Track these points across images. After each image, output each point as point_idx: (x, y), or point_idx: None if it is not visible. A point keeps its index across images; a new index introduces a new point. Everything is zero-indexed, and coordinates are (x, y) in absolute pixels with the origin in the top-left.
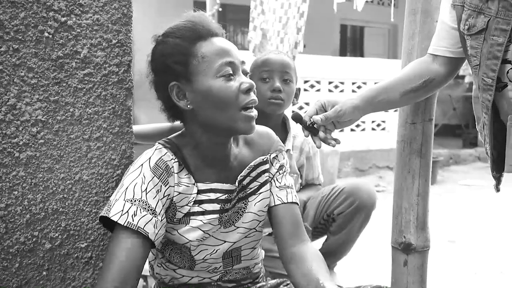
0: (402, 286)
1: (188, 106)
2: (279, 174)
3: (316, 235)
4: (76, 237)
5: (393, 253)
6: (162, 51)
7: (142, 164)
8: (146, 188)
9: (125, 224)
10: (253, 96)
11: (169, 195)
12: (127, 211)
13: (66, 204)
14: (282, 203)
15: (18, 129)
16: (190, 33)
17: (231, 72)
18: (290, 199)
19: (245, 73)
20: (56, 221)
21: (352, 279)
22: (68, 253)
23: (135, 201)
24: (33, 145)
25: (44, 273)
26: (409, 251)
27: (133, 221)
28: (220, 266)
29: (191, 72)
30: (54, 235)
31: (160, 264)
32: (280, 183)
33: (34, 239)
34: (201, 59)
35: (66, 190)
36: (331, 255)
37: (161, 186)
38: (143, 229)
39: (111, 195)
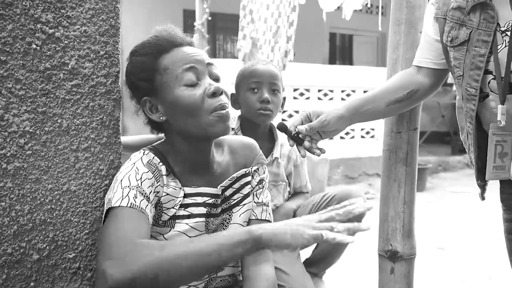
0: None
1: (161, 118)
2: (259, 188)
3: None
4: (64, 247)
5: (380, 261)
6: (129, 70)
7: (135, 163)
8: (141, 177)
9: (128, 206)
10: (221, 99)
11: (158, 192)
12: (128, 195)
13: (54, 214)
14: (255, 219)
15: (6, 140)
16: (152, 49)
17: (193, 78)
18: (264, 216)
19: (214, 76)
20: (44, 232)
21: (340, 287)
22: (56, 264)
23: (132, 187)
24: (20, 156)
25: (32, 284)
26: (396, 259)
27: (135, 202)
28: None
29: (157, 86)
30: (42, 246)
31: None
32: (258, 198)
33: (21, 250)
34: (163, 71)
35: (54, 201)
36: (321, 262)
37: (154, 181)
38: (144, 210)
39: (99, 206)
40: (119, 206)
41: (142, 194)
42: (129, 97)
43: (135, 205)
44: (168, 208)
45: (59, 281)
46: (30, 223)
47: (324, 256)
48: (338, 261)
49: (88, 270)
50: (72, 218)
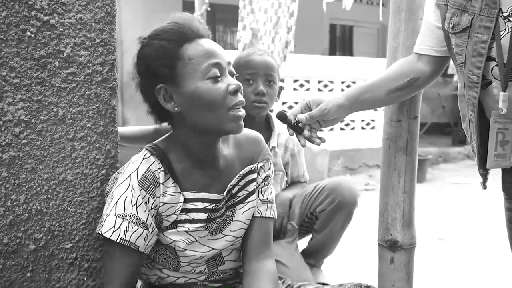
0: (388, 283)
1: (176, 108)
2: (264, 185)
3: (302, 233)
4: (61, 238)
5: (379, 250)
6: (148, 54)
7: (130, 175)
8: (136, 202)
9: (118, 241)
10: (240, 97)
11: (156, 206)
12: (119, 227)
13: (50, 204)
14: (260, 217)
15: (1, 129)
16: (176, 36)
17: (218, 74)
18: (268, 214)
19: (231, 74)
20: (40, 222)
21: (339, 277)
22: (52, 254)
23: (126, 216)
24: (16, 146)
25: (28, 274)
26: (396, 249)
27: (125, 237)
28: (205, 269)
29: (178, 74)
30: (38, 236)
31: (146, 264)
32: (263, 196)
33: (17, 240)
34: (187, 61)
35: (50, 190)
36: (317, 253)
37: (149, 198)
38: (134, 244)
39: (95, 195)
40: (109, 238)
41: (136, 223)
42: (136, 84)
43: (125, 240)
44: (168, 215)
45: (56, 272)
46: (26, 213)
47: (320, 246)
48: (338, 251)
49: (85, 261)
50: (69, 208)
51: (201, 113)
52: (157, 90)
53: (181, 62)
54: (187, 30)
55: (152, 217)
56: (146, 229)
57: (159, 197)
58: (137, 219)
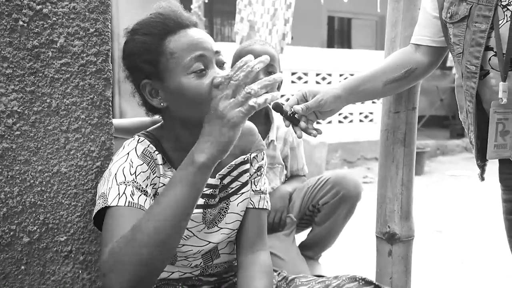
0: (386, 276)
1: (162, 104)
2: (257, 176)
3: (302, 226)
4: (55, 230)
5: (377, 243)
6: (131, 50)
7: (128, 153)
8: (135, 171)
9: (126, 205)
10: None
11: (155, 184)
12: (124, 192)
13: (44, 197)
14: (253, 208)
15: None
16: (158, 29)
17: (202, 67)
18: (262, 205)
19: (220, 63)
20: (34, 215)
21: (336, 270)
22: (47, 247)
23: (128, 182)
24: (8, 137)
25: (23, 267)
26: (394, 241)
27: (133, 200)
28: (201, 262)
29: (161, 70)
30: (32, 228)
31: None
32: (256, 186)
33: (11, 233)
34: (169, 56)
35: (44, 182)
36: (316, 245)
37: (150, 173)
38: (144, 206)
39: (90, 188)
40: (116, 205)
41: (139, 189)
42: (125, 77)
43: (134, 203)
44: None
45: (51, 265)
46: (20, 206)
47: (320, 238)
48: (336, 244)
49: (80, 253)
50: (63, 201)
51: (188, 108)
52: (142, 85)
53: (163, 57)
54: (169, 22)
55: (151, 191)
56: (148, 196)
57: (159, 177)
58: (139, 185)
